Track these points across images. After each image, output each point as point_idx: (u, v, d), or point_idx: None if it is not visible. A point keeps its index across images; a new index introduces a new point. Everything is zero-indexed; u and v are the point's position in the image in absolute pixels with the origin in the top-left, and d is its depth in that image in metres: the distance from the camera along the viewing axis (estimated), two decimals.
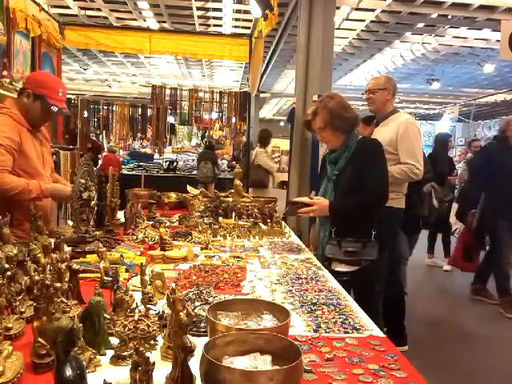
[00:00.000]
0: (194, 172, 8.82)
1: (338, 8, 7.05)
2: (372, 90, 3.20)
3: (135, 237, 2.62)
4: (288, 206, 2.78)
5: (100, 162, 8.91)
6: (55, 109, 2.38)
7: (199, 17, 8.36)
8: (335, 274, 2.22)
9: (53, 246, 1.60)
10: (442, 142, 6.30)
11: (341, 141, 2.46)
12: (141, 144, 11.05)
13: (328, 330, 1.48)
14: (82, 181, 2.26)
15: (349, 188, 2.39)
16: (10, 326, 1.28)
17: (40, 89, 2.36)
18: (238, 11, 7.88)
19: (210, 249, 2.53)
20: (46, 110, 2.38)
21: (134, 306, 1.38)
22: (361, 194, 2.36)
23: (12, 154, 2.27)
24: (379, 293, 2.65)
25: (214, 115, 7.44)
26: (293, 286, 1.90)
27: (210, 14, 8.20)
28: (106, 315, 1.29)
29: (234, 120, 7.30)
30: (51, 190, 2.38)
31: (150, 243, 2.52)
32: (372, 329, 1.52)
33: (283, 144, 22.33)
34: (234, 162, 9.71)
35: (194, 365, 1.03)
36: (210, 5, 7.68)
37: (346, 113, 2.43)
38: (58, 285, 1.21)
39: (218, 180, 8.46)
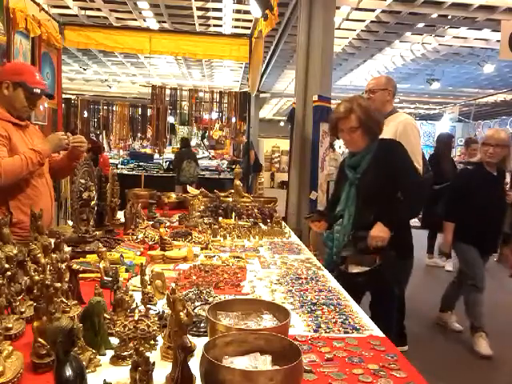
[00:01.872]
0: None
1: (338, 8, 7.04)
2: (372, 90, 3.19)
3: (135, 237, 2.62)
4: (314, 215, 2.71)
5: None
6: (38, 90, 2.39)
7: (199, 17, 8.36)
8: (350, 277, 2.25)
9: (53, 246, 1.60)
10: (445, 142, 6.27)
11: (364, 144, 2.42)
12: (141, 144, 11.05)
13: (328, 330, 1.48)
14: (82, 181, 2.26)
15: (373, 191, 2.34)
16: (9, 326, 1.28)
17: (17, 76, 2.36)
18: (238, 11, 7.87)
19: (210, 249, 2.53)
20: (29, 95, 2.38)
21: (133, 305, 1.38)
22: (407, 197, 2.35)
23: (5, 146, 2.27)
24: (395, 296, 2.54)
25: (214, 115, 7.45)
26: (293, 286, 1.90)
27: (210, 14, 8.20)
28: (106, 315, 1.29)
29: (233, 120, 7.31)
30: (46, 145, 2.38)
31: (150, 243, 2.52)
32: (372, 329, 1.52)
33: (283, 144, 22.42)
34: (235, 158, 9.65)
35: (194, 365, 1.03)
36: (210, 5, 7.68)
37: (377, 116, 2.43)
38: (58, 285, 1.21)
39: (199, 180, 8.10)
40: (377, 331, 1.50)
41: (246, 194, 3.88)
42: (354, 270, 2.37)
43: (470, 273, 3.81)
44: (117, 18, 8.73)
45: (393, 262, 2.32)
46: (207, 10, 7.99)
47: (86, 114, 7.26)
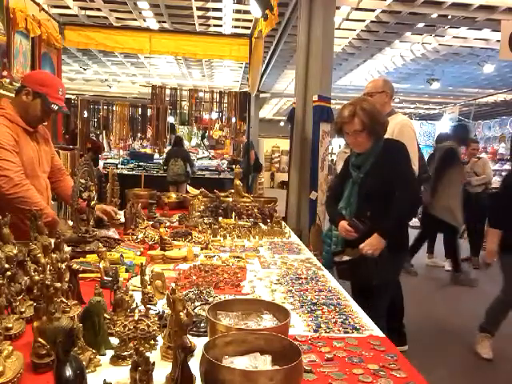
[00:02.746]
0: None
1: (338, 8, 7.04)
2: (370, 93, 3.22)
3: (135, 237, 2.62)
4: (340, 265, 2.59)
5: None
6: (55, 107, 2.37)
7: (199, 17, 8.36)
8: (338, 265, 2.39)
9: (53, 246, 1.60)
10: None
11: (369, 145, 2.46)
12: (141, 144, 11.05)
13: (328, 330, 1.48)
14: (82, 181, 2.26)
15: (373, 191, 2.40)
16: (10, 325, 1.28)
17: (40, 87, 2.34)
18: (238, 11, 7.87)
19: (210, 249, 2.53)
20: (46, 108, 2.36)
21: (134, 305, 1.38)
22: (398, 204, 2.36)
23: (17, 155, 2.28)
24: (380, 288, 2.49)
25: (214, 115, 7.45)
26: (293, 286, 1.91)
27: (210, 13, 8.20)
28: (106, 315, 1.29)
29: (233, 120, 7.31)
30: (54, 217, 2.34)
31: (150, 243, 2.52)
32: (372, 329, 1.52)
33: (283, 144, 22.43)
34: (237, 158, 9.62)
35: (194, 365, 1.03)
36: (210, 5, 7.67)
37: (381, 117, 2.45)
38: (58, 285, 1.21)
39: (191, 179, 7.85)
40: (377, 331, 1.51)
41: (246, 194, 3.88)
42: (344, 258, 2.45)
43: (509, 288, 3.58)
44: (117, 18, 8.73)
45: (381, 255, 2.36)
46: (207, 9, 7.98)
47: (86, 114, 7.25)
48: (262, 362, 1.04)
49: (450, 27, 8.24)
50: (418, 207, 2.47)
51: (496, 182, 8.30)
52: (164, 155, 8.40)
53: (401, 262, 2.69)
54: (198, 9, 7.90)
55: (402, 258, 2.65)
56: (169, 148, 8.33)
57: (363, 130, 2.39)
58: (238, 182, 3.80)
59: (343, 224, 2.45)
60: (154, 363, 1.00)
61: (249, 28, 8.37)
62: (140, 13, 8.30)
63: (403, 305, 3.67)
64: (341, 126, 2.49)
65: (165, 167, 8.39)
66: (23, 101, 2.35)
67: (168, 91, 7.51)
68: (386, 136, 2.99)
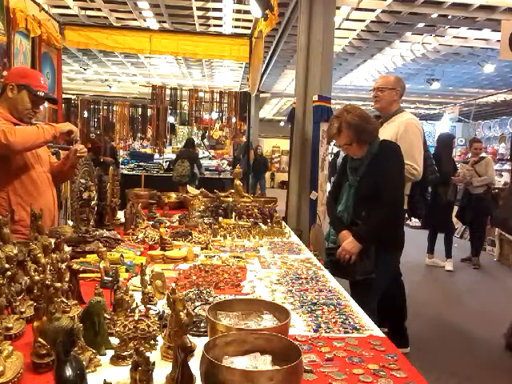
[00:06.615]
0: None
1: (338, 8, 7.04)
2: (380, 88, 3.18)
3: (135, 237, 2.62)
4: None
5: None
6: (42, 93, 2.41)
7: (199, 17, 8.36)
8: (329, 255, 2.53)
9: (53, 245, 1.60)
10: (446, 143, 6.28)
11: (363, 151, 2.50)
12: (141, 144, 11.04)
13: (328, 330, 1.48)
14: (82, 181, 2.27)
15: (369, 193, 2.44)
16: (10, 325, 1.28)
17: (22, 79, 2.39)
18: (238, 11, 7.88)
19: (210, 249, 2.53)
20: (33, 97, 2.40)
21: (134, 305, 1.38)
22: (378, 210, 2.41)
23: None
24: (367, 285, 2.52)
25: (214, 115, 7.44)
26: (293, 286, 1.91)
27: (210, 14, 8.20)
28: (106, 315, 1.29)
29: (234, 120, 7.30)
30: (60, 128, 2.44)
31: (150, 243, 2.52)
32: (372, 329, 1.52)
33: (283, 144, 22.44)
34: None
35: (194, 365, 1.03)
36: (210, 5, 7.68)
37: (368, 124, 2.47)
38: (58, 285, 1.21)
39: (197, 181, 7.77)
40: (377, 331, 1.50)
41: (246, 194, 3.88)
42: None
43: None
44: (117, 18, 8.73)
45: (367, 253, 2.41)
46: (207, 9, 7.99)
47: (86, 114, 7.25)
48: (262, 362, 1.04)
49: (450, 27, 8.24)
50: (397, 217, 2.57)
51: (496, 182, 8.30)
52: (164, 155, 8.40)
53: (391, 261, 2.70)
54: (198, 9, 7.90)
55: (392, 257, 2.66)
56: (165, 148, 8.29)
57: (351, 143, 2.46)
58: (238, 181, 3.81)
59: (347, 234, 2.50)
60: (154, 363, 1.00)
61: (249, 28, 8.37)
62: (140, 13, 8.30)
63: (406, 306, 3.63)
64: (332, 139, 2.59)
65: (171, 167, 8.40)
66: (9, 97, 2.37)
67: (168, 91, 7.50)
68: (390, 135, 3.00)
